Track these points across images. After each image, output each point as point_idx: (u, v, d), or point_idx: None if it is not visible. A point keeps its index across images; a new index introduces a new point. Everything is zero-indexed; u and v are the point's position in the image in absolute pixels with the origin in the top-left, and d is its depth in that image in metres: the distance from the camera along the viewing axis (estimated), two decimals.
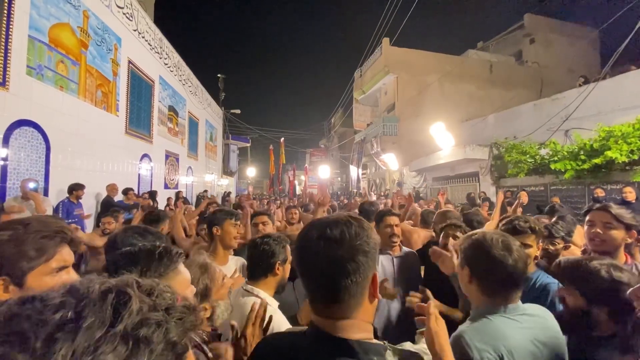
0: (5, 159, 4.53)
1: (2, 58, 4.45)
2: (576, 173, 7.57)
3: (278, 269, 1.49)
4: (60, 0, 5.58)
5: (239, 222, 2.12)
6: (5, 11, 4.48)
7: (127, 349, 0.36)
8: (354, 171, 19.02)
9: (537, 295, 1.55)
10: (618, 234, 1.66)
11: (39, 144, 5.14)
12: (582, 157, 7.39)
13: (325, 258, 0.71)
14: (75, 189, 5.21)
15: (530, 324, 1.10)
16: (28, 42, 4.88)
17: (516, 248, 1.15)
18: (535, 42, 18.04)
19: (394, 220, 2.37)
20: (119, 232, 1.36)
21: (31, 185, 4.50)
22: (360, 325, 0.72)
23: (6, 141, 4.54)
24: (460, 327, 1.11)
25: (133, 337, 0.37)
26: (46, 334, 0.34)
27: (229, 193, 16.60)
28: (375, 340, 0.74)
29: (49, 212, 4.61)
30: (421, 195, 12.29)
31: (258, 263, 1.49)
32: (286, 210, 4.89)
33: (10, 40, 4.56)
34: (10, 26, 4.56)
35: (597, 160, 7.01)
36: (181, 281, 0.91)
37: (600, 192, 6.20)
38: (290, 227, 4.28)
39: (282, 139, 21.81)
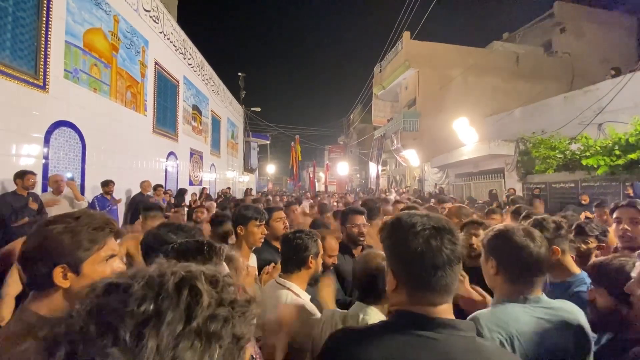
0: (46, 157, 4.85)
1: (42, 63, 4.75)
2: (610, 169, 7.20)
3: (311, 262, 1.53)
4: (93, 6, 5.87)
5: (263, 222, 2.14)
6: (44, 19, 4.77)
7: (202, 345, 0.37)
8: (373, 168, 18.88)
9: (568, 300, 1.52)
10: None
11: (75, 143, 5.45)
12: (617, 152, 7.01)
13: (443, 248, 0.79)
14: (104, 185, 5.56)
15: (550, 316, 1.11)
16: (65, 48, 5.18)
17: (538, 235, 1.19)
18: (566, 31, 17.15)
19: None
20: (152, 230, 1.44)
21: (68, 175, 4.99)
22: (451, 309, 0.82)
23: (47, 141, 4.86)
24: (477, 312, 1.16)
25: (205, 333, 0.38)
26: (133, 328, 0.36)
27: (250, 189, 16.93)
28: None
29: (84, 203, 4.94)
30: (444, 193, 12.07)
31: (291, 257, 1.53)
32: (285, 206, 4.81)
33: (49, 46, 4.85)
34: (49, 33, 4.85)
35: (632, 156, 6.65)
36: None
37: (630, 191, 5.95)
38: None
39: (297, 136, 21.92)
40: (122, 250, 2.27)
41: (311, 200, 8.89)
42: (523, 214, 2.93)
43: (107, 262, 0.97)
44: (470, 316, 1.14)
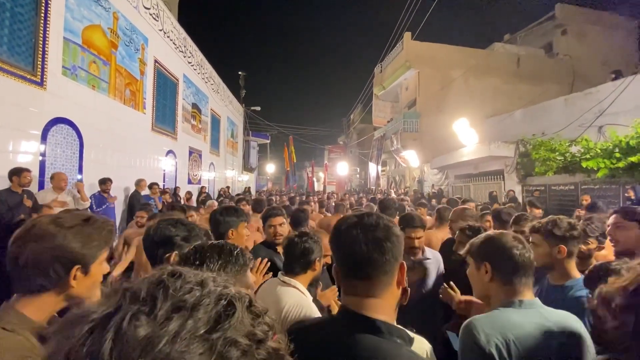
0: (43, 155, 4.81)
1: (41, 59, 4.71)
2: (610, 172, 7.18)
3: (316, 264, 1.61)
4: (92, 2, 5.83)
5: (248, 222, 2.18)
6: (42, 14, 4.73)
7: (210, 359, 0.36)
8: (373, 168, 18.86)
9: (570, 307, 1.50)
10: (630, 232, 1.73)
11: (73, 141, 5.41)
12: (617, 154, 7.00)
13: (363, 239, 0.80)
14: (102, 183, 5.56)
15: (544, 320, 1.11)
16: (63, 44, 5.14)
17: (523, 239, 1.26)
18: (567, 33, 17.14)
19: (418, 233, 2.31)
20: (154, 225, 1.42)
21: (78, 177, 5.30)
22: (385, 307, 0.80)
23: (44, 138, 4.82)
24: (473, 317, 1.16)
25: (219, 351, 0.36)
26: (167, 309, 0.37)
27: (249, 188, 16.90)
28: (399, 326, 0.81)
29: (87, 204, 5.00)
30: (444, 194, 12.05)
31: (298, 260, 1.59)
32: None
33: (47, 42, 4.81)
34: (47, 29, 4.81)
35: (633, 159, 6.63)
36: (245, 284, 1.02)
37: (631, 194, 5.94)
38: None
39: (290, 137, 21.89)
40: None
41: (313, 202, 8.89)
42: (512, 220, 2.76)
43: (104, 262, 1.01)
44: (466, 322, 1.14)
